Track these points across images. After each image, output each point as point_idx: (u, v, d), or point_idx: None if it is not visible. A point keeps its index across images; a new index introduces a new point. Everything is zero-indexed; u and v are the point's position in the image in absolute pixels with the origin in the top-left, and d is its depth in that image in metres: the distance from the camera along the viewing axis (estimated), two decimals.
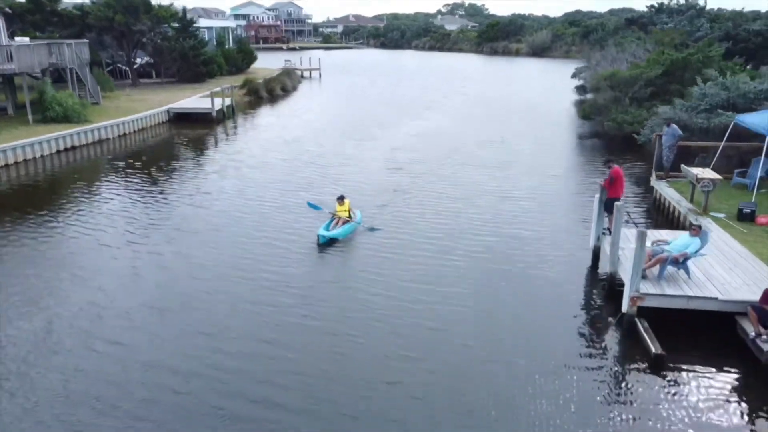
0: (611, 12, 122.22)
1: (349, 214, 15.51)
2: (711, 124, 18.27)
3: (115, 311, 11.23)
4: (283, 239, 15.03)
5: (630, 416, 8.30)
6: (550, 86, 50.61)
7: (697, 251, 10.87)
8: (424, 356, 9.76)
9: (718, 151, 17.25)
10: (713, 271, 11.31)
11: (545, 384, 8.97)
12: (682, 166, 16.06)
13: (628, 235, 12.71)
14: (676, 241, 11.30)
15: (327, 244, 14.45)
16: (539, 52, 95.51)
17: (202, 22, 51.13)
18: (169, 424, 8.04)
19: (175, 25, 44.24)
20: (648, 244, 11.14)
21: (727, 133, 17.14)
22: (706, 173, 14.84)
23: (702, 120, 18.49)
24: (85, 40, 33.92)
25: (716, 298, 10.28)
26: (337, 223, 15.23)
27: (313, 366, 9.44)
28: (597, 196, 13.22)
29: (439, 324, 10.77)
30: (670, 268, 11.13)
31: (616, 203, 11.79)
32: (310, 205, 16.18)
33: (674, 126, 17.28)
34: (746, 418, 8.40)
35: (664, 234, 12.94)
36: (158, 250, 14.25)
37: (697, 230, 11.06)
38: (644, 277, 10.81)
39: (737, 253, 12.27)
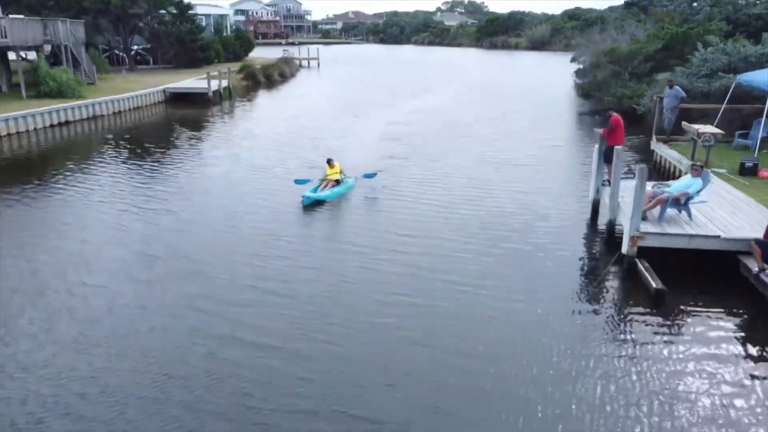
0: (611, 9, 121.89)
1: (340, 179, 14.91)
2: (712, 87, 18.00)
3: (102, 260, 10.96)
4: (271, 200, 14.71)
5: (631, 353, 7.94)
6: (550, 74, 50.41)
7: (699, 192, 10.61)
8: (425, 302, 9.41)
9: (719, 114, 16.98)
10: (715, 214, 11.04)
11: (545, 324, 8.64)
12: (684, 123, 15.82)
13: (628, 187, 12.42)
14: (677, 182, 11.05)
15: (313, 205, 13.87)
16: (539, 46, 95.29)
17: (200, 9, 50.82)
18: (148, 360, 7.73)
19: (174, 11, 43.97)
20: (648, 187, 10.91)
21: (728, 95, 16.89)
22: (707, 128, 14.58)
23: (703, 84, 18.22)
24: (81, 20, 33.63)
25: (719, 236, 10.01)
26: (326, 185, 14.64)
27: (301, 307, 9.15)
28: (596, 146, 12.95)
29: (440, 274, 10.33)
30: (670, 211, 10.87)
31: (616, 147, 11.52)
32: (297, 181, 15.19)
33: (677, 87, 17.00)
34: (750, 350, 8.09)
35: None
36: (148, 209, 13.93)
37: (698, 170, 10.79)
38: (644, 219, 10.55)
39: (739, 199, 12.02)
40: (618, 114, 12.75)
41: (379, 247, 11.54)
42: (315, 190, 14.40)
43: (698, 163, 11.45)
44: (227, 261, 10.84)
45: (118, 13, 39.37)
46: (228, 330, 8.41)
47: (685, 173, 14.88)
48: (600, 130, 12.81)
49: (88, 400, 6.88)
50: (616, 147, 11.52)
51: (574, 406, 6.80)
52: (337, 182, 14.77)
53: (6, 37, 24.84)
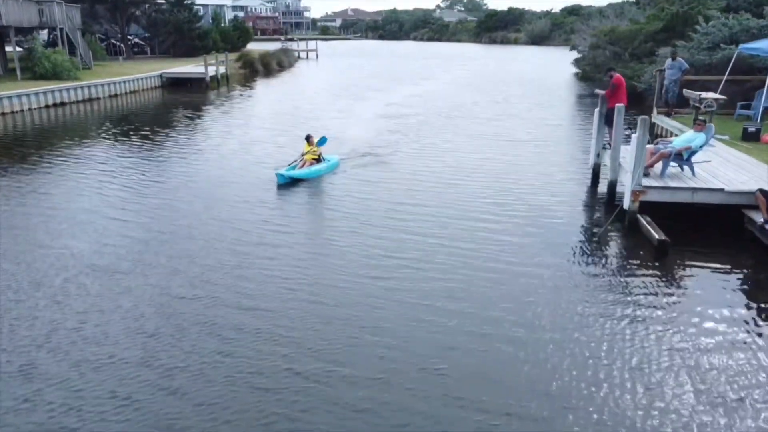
0: (610, 6, 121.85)
1: (320, 157, 13.85)
2: (713, 59, 17.79)
3: (90, 240, 10.72)
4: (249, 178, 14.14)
5: (634, 308, 7.54)
6: (549, 64, 50.23)
7: (702, 146, 10.39)
8: (425, 266, 9.17)
9: (721, 85, 16.77)
10: (718, 171, 10.84)
11: (547, 283, 8.25)
12: (685, 90, 15.61)
13: (629, 150, 12.18)
14: (680, 137, 10.83)
15: (288, 184, 12.78)
16: (538, 41, 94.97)
17: None
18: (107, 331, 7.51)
19: None
20: (650, 145, 10.70)
21: (730, 65, 16.69)
22: (710, 94, 14.37)
23: (704, 56, 18.02)
24: (77, 5, 33.38)
25: (723, 189, 9.81)
26: (303, 164, 13.58)
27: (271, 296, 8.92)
28: (597, 109, 12.71)
29: (441, 240, 9.90)
30: (672, 168, 10.67)
31: (618, 105, 11.27)
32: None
33: (680, 59, 16.74)
34: (755, 303, 7.74)
35: None
36: (139, 191, 13.41)
37: (701, 125, 10.58)
38: (646, 175, 10.33)
39: (743, 160, 11.81)
40: (619, 74, 12.51)
41: (381, 220, 11.30)
42: (292, 168, 13.42)
43: (701, 118, 11.23)
44: (217, 247, 10.63)
45: (114, 1, 39.11)
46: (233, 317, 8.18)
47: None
48: (601, 91, 12.54)
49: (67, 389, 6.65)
50: (618, 105, 11.26)
51: (573, 365, 6.36)
52: (317, 161, 13.73)
53: (1, 18, 24.60)
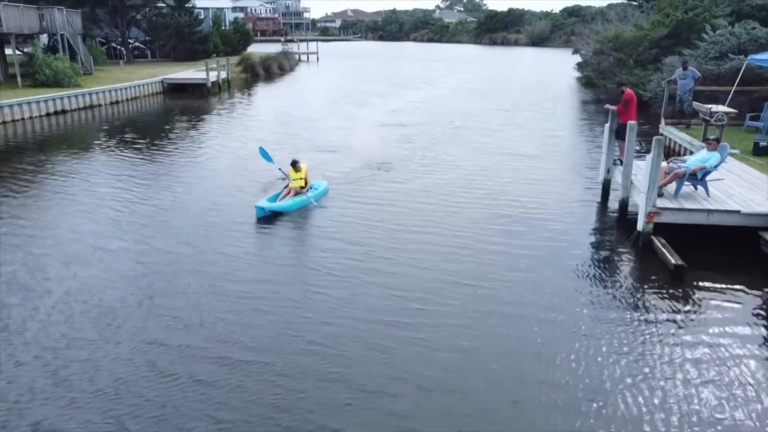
0: (610, 6, 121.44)
1: (305, 183, 12.54)
2: (721, 70, 17.62)
3: (89, 250, 10.61)
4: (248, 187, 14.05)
5: (650, 331, 7.52)
6: (552, 67, 50.09)
7: (716, 166, 10.23)
8: (434, 286, 9.08)
9: (729, 96, 16.60)
10: (732, 191, 10.68)
11: (561, 304, 8.24)
12: (695, 102, 15.43)
13: (641, 166, 12.01)
14: (693, 156, 10.68)
15: (268, 217, 11.63)
16: (538, 42, 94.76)
17: (198, 2, 50.35)
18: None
19: (172, 2, 43.52)
20: (663, 163, 10.53)
21: (739, 76, 16.53)
22: (720, 107, 14.20)
23: (712, 66, 17.84)
24: (78, 10, 33.19)
25: (739, 212, 9.65)
26: (288, 193, 12.35)
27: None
28: (607, 125, 12.54)
29: (451, 256, 9.90)
30: (686, 188, 10.51)
31: (630, 123, 11.11)
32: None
33: (692, 69, 16.49)
34: None
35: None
36: (139, 200, 13.42)
37: (714, 144, 10.41)
38: (660, 195, 10.17)
39: (756, 177, 11.64)
40: (631, 89, 12.34)
41: (379, 248, 11.14)
42: (274, 198, 12.24)
43: (713, 137, 11.06)
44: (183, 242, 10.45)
45: (115, 4, 38.95)
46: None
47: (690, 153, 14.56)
48: (612, 107, 12.36)
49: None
50: (630, 123, 11.10)
51: (589, 386, 6.40)
52: (303, 187, 12.49)
53: (2, 24, 24.40)
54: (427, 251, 10.02)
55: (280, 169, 13.24)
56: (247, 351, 6.98)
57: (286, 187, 12.57)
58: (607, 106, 12.56)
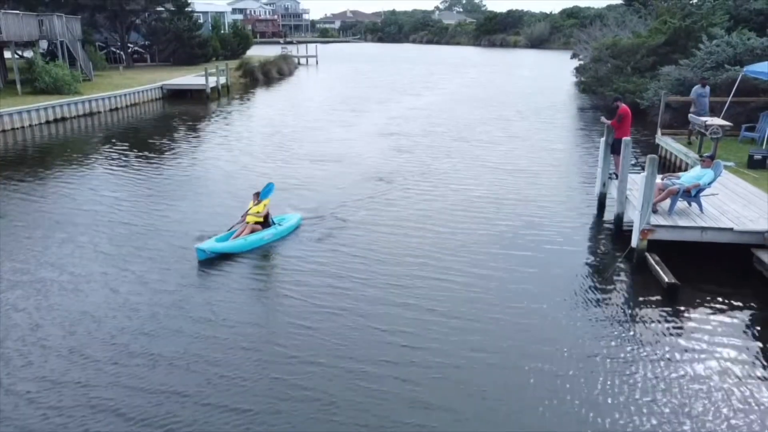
0: (609, 7, 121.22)
1: (266, 220, 10.94)
2: (718, 80, 17.72)
3: (89, 259, 10.67)
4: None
5: (643, 349, 7.65)
6: (551, 71, 50.19)
7: (710, 183, 10.33)
8: (425, 298, 9.22)
9: (725, 107, 16.70)
10: (726, 207, 10.78)
11: (554, 321, 8.38)
12: (690, 115, 15.54)
13: (636, 181, 12.12)
14: (688, 173, 10.79)
15: (211, 260, 10.06)
16: (537, 44, 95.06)
17: (198, 6, 50.47)
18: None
19: (171, 7, 43.61)
20: (658, 179, 10.63)
21: (734, 87, 16.62)
22: (716, 120, 14.30)
23: (708, 77, 17.93)
24: (77, 16, 33.29)
25: (731, 229, 9.75)
26: (242, 230, 10.67)
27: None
28: (602, 139, 12.65)
29: (442, 271, 10.01)
30: (680, 204, 10.61)
31: (625, 139, 11.22)
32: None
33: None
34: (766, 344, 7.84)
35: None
36: (139, 208, 13.68)
37: (708, 161, 10.53)
38: (654, 212, 10.28)
39: (750, 192, 11.75)
40: (625, 104, 12.46)
41: (391, 245, 11.24)
42: (226, 238, 10.52)
43: (707, 154, 11.17)
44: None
45: (115, 9, 39.05)
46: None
47: (692, 166, 14.66)
48: (607, 121, 12.47)
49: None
50: (625, 139, 11.20)
51: (585, 404, 6.54)
52: (263, 224, 10.88)
53: (1, 32, 24.48)
54: (420, 270, 10.08)
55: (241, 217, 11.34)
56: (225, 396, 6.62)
57: (239, 223, 10.93)
58: (603, 119, 12.67)
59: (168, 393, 6.66)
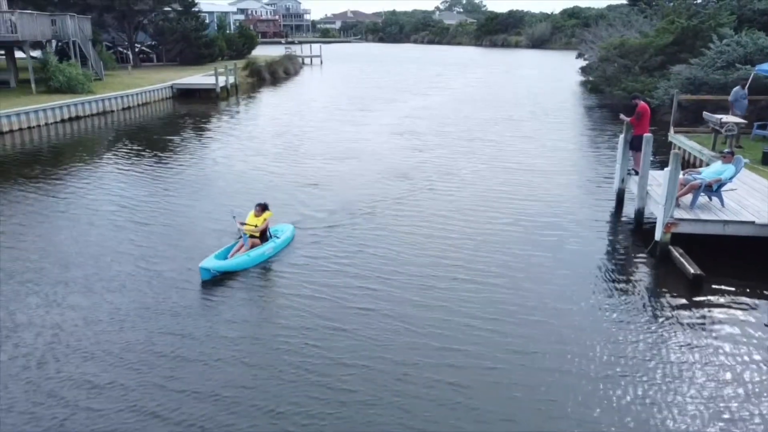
0: (609, 8, 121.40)
1: (266, 233, 10.52)
2: (729, 79, 17.99)
3: (100, 258, 10.89)
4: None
5: (671, 340, 7.88)
6: (555, 71, 50.47)
7: (731, 177, 10.60)
8: (451, 295, 9.43)
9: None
10: (746, 201, 11.04)
11: (581, 314, 8.61)
12: (705, 113, 15.79)
13: (656, 177, 12.35)
14: (708, 169, 11.04)
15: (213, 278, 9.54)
16: (539, 44, 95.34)
17: (203, 6, 50.69)
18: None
19: (178, 8, 43.84)
20: (679, 175, 10.88)
21: (746, 86, 16.87)
22: (730, 118, 14.56)
23: (719, 76, 18.21)
24: (88, 16, 33.51)
25: (753, 222, 10.01)
26: (242, 246, 10.18)
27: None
28: (621, 136, 12.90)
29: (467, 269, 10.19)
30: (701, 199, 10.87)
31: (646, 135, 11.48)
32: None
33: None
34: None
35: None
36: (151, 207, 13.85)
37: (728, 157, 10.79)
38: (676, 206, 10.52)
39: (767, 187, 12.00)
40: (644, 102, 12.71)
41: (416, 245, 11.47)
42: (224, 254, 10.02)
43: (727, 150, 11.43)
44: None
45: (123, 9, 39.23)
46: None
47: (706, 163, 14.92)
48: (626, 118, 12.72)
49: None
50: (646, 135, 11.47)
51: (612, 397, 6.73)
52: (262, 237, 10.42)
53: (16, 32, 24.70)
54: (445, 270, 10.23)
55: (238, 222, 10.50)
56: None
57: (240, 237, 10.35)
58: (622, 116, 12.91)
59: (203, 394, 6.68)
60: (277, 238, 10.69)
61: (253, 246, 10.18)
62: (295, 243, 11.12)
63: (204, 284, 9.36)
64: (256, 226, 10.29)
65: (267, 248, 10.27)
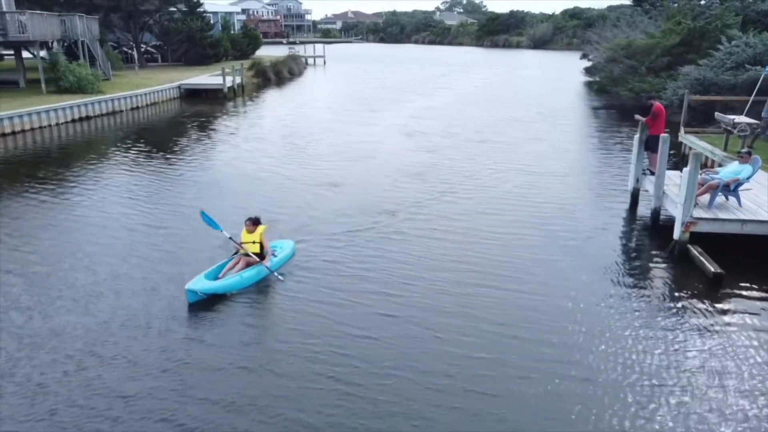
0: (609, 8, 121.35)
1: (261, 249, 9.60)
2: (738, 80, 18.13)
3: (109, 259, 10.99)
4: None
5: (693, 338, 8.00)
6: (559, 72, 50.59)
7: (749, 177, 10.73)
8: (469, 294, 9.54)
9: (747, 106, 17.09)
10: (762, 200, 11.17)
11: (601, 312, 8.70)
12: (717, 113, 15.92)
13: (671, 176, 12.47)
14: (726, 169, 11.18)
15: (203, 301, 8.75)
16: (540, 44, 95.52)
17: (208, 6, 50.81)
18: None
19: (183, 8, 43.98)
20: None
21: (757, 87, 17.01)
22: (743, 118, 14.70)
23: (729, 77, 18.36)
24: (95, 16, 33.64)
25: None
26: (235, 264, 9.40)
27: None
28: (636, 136, 13.04)
29: (486, 270, 10.14)
30: (718, 198, 11.00)
31: (662, 135, 11.62)
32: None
33: None
34: None
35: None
36: (159, 206, 13.93)
37: (746, 157, 10.92)
38: (694, 205, 10.65)
39: None
40: (659, 102, 12.85)
41: (433, 242, 11.59)
42: (215, 272, 9.25)
43: (744, 150, 11.57)
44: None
45: (129, 9, 39.35)
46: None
47: (718, 163, 15.06)
48: (642, 118, 12.86)
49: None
50: (662, 135, 11.61)
51: (635, 397, 6.80)
52: (259, 255, 9.53)
53: (27, 32, 24.82)
54: (466, 276, 10.13)
55: (231, 238, 9.79)
56: None
57: (235, 254, 9.65)
58: (637, 117, 13.05)
59: (227, 402, 6.58)
60: (275, 256, 9.83)
61: (248, 265, 9.36)
62: (312, 247, 10.86)
63: (190, 306, 8.63)
64: (254, 242, 9.51)
65: (261, 268, 9.39)
